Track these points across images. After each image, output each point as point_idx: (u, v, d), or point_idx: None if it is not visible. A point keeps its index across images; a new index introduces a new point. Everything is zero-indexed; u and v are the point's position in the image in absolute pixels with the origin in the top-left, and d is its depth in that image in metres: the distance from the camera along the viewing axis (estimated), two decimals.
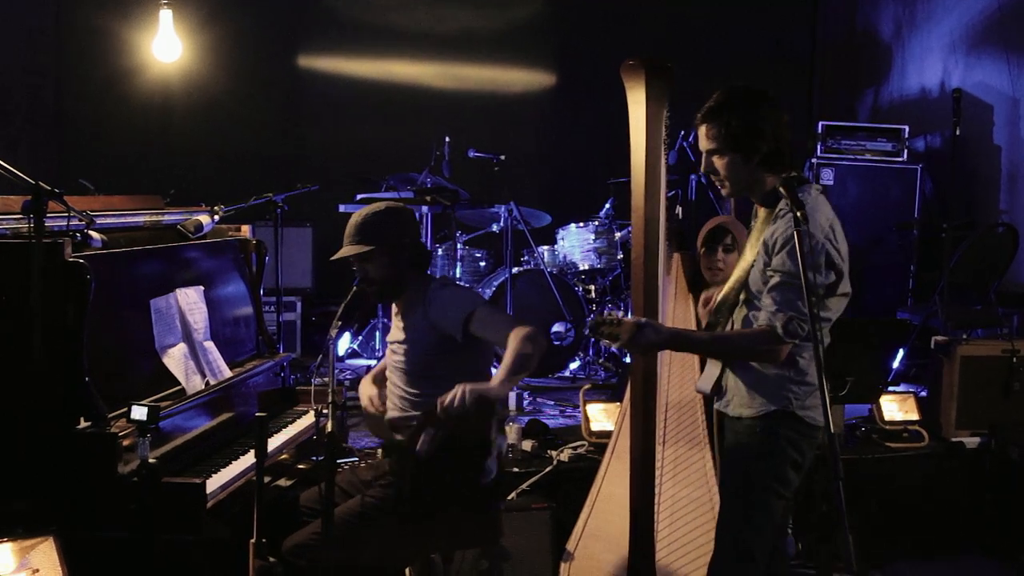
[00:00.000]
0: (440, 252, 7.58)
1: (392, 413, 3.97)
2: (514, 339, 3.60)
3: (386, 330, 7.43)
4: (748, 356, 3.38)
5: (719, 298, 3.51)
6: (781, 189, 3.16)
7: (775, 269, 3.27)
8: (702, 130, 3.39)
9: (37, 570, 3.14)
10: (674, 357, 4.25)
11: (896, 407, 5.67)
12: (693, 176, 7.51)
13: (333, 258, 3.90)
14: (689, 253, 4.72)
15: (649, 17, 9.08)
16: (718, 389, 3.51)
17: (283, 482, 4.22)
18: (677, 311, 4.45)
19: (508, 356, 3.60)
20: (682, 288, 4.56)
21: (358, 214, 3.91)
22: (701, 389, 3.58)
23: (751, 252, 3.41)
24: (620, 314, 3.25)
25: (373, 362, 7.22)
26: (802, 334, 3.25)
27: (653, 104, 3.39)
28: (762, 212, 3.45)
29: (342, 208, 7.04)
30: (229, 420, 4.02)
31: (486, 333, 3.73)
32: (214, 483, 3.50)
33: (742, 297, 3.44)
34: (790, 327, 3.22)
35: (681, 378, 4.15)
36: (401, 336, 3.95)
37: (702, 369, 4.15)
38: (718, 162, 3.38)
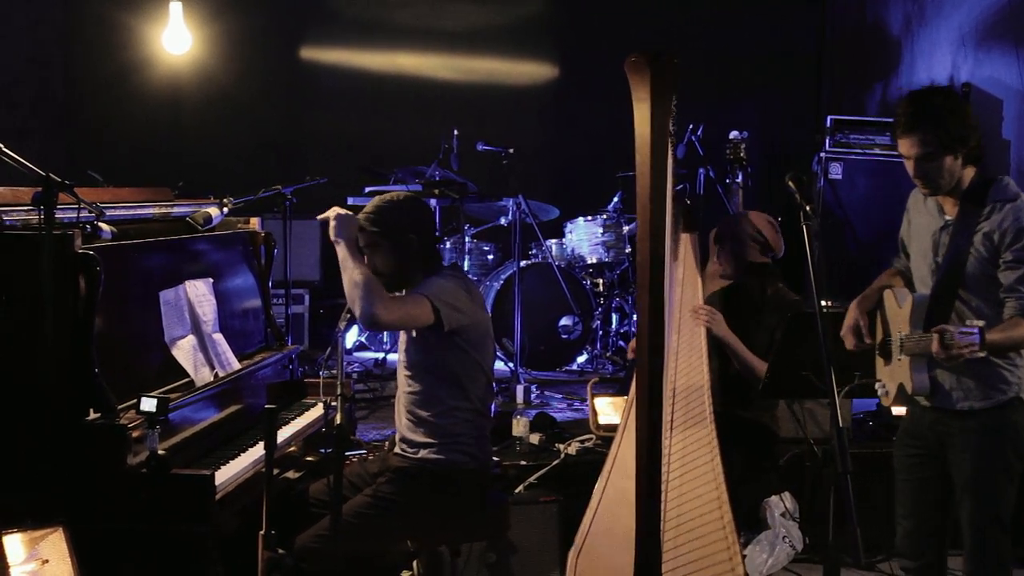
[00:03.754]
0: (448, 245, 7.58)
1: (398, 408, 3.99)
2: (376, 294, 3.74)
3: None
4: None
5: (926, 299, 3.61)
6: (790, 184, 3.16)
7: (1017, 260, 3.42)
8: (914, 138, 3.52)
9: (46, 561, 3.15)
10: (682, 344, 4.24)
11: None
12: (702, 169, 7.49)
13: None
14: (698, 234, 4.66)
15: (657, 9, 9.05)
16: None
17: (292, 474, 4.23)
18: (685, 296, 4.41)
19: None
20: (690, 271, 4.48)
21: (381, 196, 3.98)
22: (922, 390, 3.63)
23: (969, 245, 3.52)
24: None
25: (380, 355, 7.24)
26: None
27: (658, 101, 3.35)
28: (952, 207, 3.61)
29: (351, 201, 7.05)
30: (238, 412, 4.03)
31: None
32: (223, 475, 3.51)
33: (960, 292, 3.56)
34: None
35: (689, 364, 4.14)
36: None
37: (708, 357, 4.17)
38: (931, 165, 3.54)
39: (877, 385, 3.92)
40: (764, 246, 4.71)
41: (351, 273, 3.75)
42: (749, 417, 4.65)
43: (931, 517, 3.75)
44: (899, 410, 5.59)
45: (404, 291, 3.97)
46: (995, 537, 3.62)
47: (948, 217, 3.64)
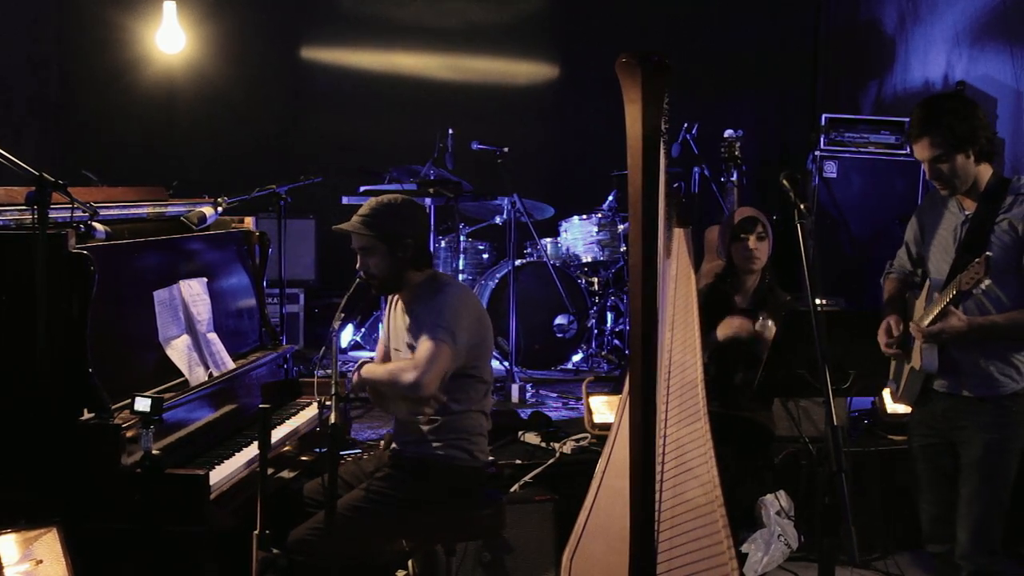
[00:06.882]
0: (443, 244, 7.58)
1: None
2: (405, 371, 3.79)
3: None
4: None
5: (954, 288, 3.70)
6: (785, 182, 3.19)
7: None
8: (924, 142, 3.70)
9: (40, 561, 3.15)
10: (676, 340, 4.23)
11: None
12: (697, 168, 7.49)
13: (335, 228, 3.94)
14: (692, 229, 4.66)
15: (652, 8, 9.04)
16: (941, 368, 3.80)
17: (286, 474, 4.22)
18: (679, 292, 4.39)
19: (392, 367, 3.92)
20: (684, 267, 4.46)
21: (377, 198, 3.97)
22: (930, 368, 3.80)
23: (990, 233, 3.68)
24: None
25: (375, 354, 7.21)
26: None
27: (650, 101, 3.34)
28: (972, 203, 3.77)
29: (345, 200, 7.04)
30: (232, 412, 4.02)
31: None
32: (217, 475, 3.50)
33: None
34: None
35: (682, 361, 4.12)
36: (408, 327, 3.97)
37: (705, 348, 4.18)
38: (945, 166, 3.71)
39: (889, 384, 4.13)
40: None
41: (383, 385, 3.94)
42: (746, 417, 4.65)
43: (954, 501, 3.87)
44: (895, 410, 5.61)
45: (395, 290, 4.00)
46: (995, 516, 3.77)
47: (968, 212, 3.81)
